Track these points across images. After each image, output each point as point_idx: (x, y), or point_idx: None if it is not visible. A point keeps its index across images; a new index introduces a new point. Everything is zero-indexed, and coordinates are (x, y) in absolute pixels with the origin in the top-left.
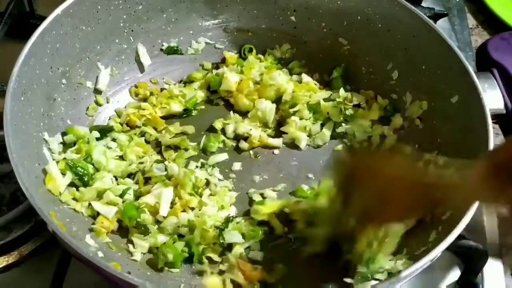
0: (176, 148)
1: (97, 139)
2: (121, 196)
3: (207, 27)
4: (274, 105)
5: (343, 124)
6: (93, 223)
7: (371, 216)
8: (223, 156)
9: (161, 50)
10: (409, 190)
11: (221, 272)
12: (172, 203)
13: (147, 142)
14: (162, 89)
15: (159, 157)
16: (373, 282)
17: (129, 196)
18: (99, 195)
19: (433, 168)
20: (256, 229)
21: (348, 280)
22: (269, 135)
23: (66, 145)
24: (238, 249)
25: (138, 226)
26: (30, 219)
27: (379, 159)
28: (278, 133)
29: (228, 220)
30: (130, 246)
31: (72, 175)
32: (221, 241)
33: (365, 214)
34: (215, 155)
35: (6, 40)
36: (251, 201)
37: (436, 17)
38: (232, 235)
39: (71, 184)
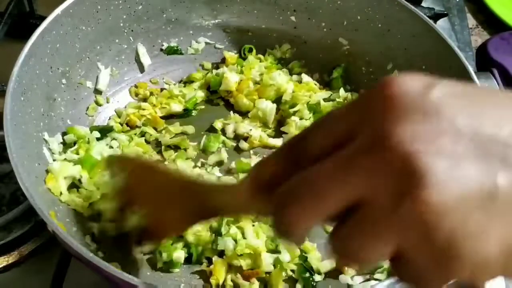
0: (176, 148)
1: (98, 139)
2: None
3: (207, 27)
4: (275, 105)
5: None
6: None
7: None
8: (223, 156)
9: (161, 50)
10: (181, 197)
11: None
12: None
13: (147, 142)
14: (162, 89)
15: (159, 157)
16: (373, 282)
17: None
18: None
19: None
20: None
21: (347, 280)
22: (269, 135)
23: (66, 145)
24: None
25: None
26: (30, 219)
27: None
28: (278, 133)
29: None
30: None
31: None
32: (214, 247)
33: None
34: (215, 155)
35: (6, 40)
36: None
37: (436, 17)
38: (226, 241)
39: (71, 184)
